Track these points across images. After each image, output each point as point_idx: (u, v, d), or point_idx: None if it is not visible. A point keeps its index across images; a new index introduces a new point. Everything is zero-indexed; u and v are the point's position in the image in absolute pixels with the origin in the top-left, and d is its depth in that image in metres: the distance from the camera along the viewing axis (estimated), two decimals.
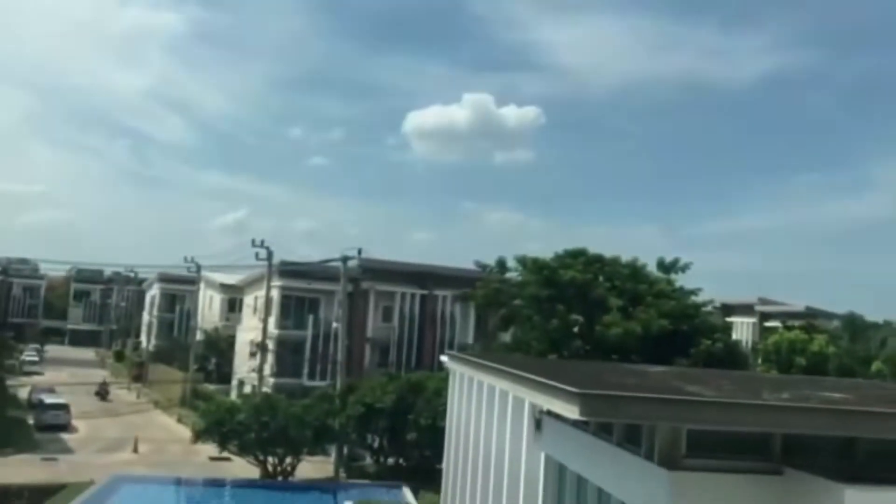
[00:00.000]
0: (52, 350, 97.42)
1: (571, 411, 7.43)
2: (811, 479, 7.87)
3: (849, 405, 8.84)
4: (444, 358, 25.74)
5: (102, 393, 57.51)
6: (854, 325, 56.68)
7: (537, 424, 12.86)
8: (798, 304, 64.51)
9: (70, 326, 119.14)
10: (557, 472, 11.95)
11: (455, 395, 24.14)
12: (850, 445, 8.39)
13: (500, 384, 12.49)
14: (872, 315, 59.00)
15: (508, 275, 38.11)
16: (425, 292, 53.10)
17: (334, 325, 45.45)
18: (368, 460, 35.00)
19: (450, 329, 52.75)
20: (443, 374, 31.00)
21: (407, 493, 28.73)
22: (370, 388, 32.73)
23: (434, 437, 28.97)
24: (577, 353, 33.70)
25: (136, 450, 38.34)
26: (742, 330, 63.44)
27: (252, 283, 56.12)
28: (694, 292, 37.62)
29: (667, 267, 38.15)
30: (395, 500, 27.55)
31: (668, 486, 8.12)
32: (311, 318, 51.13)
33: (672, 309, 34.83)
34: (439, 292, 53.06)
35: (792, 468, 8.20)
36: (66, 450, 37.91)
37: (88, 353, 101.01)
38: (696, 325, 35.56)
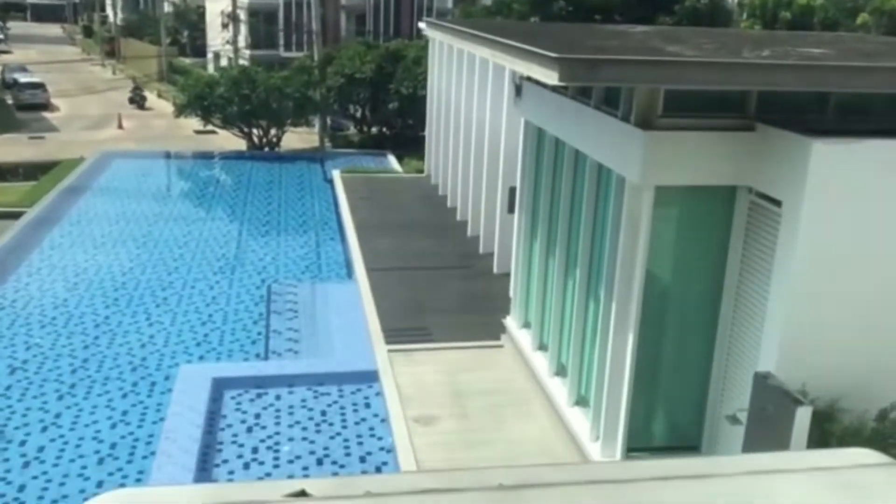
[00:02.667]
0: (16, 27, 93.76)
1: (550, 77, 7.42)
2: (782, 133, 8.11)
3: (826, 60, 8.86)
4: (422, 25, 25.06)
5: (138, 100, 45.28)
6: None
7: (517, 91, 12.91)
8: None
9: (31, 1, 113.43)
10: (536, 136, 12.25)
11: (435, 64, 23.92)
12: (823, 100, 8.56)
13: (480, 51, 12.31)
14: None
15: None
16: None
17: None
18: (352, 130, 35.61)
19: None
20: (422, 42, 30.39)
21: (391, 159, 29.68)
22: (349, 58, 32.23)
23: (415, 105, 29.24)
24: (559, 15, 32.76)
25: (120, 126, 38.70)
26: None
27: None
28: None
29: None
30: (380, 167, 28.54)
31: (643, 144, 8.38)
32: None
33: None
34: None
35: (764, 124, 8.42)
36: (51, 128, 38.21)
37: (54, 29, 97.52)
38: None
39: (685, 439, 9.85)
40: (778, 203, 8.24)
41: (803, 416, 7.46)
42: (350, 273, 18.18)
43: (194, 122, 33.16)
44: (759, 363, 8.42)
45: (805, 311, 8.04)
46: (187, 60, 57.77)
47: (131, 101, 45.06)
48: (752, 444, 8.10)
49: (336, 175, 25.57)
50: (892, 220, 7.98)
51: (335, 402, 12.53)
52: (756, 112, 8.60)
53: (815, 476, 2.58)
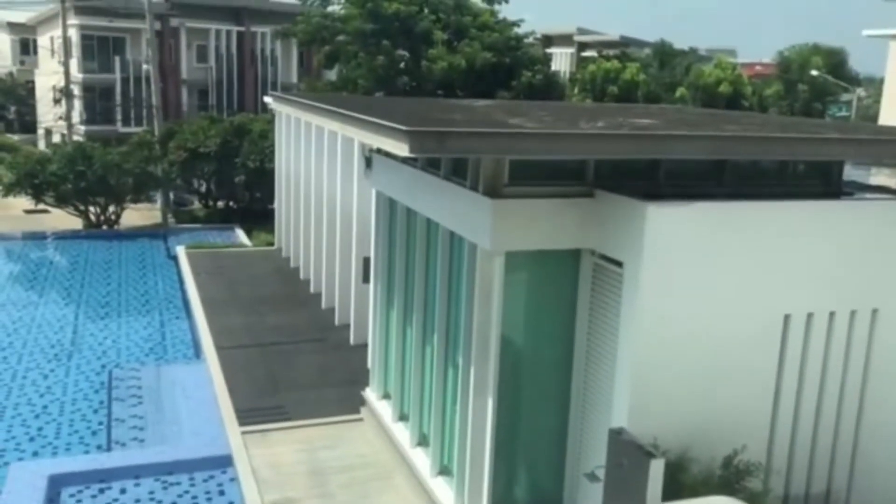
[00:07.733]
0: None
1: (401, 149, 7.54)
2: (619, 199, 8.59)
3: (655, 130, 9.51)
4: (268, 99, 24.99)
5: None
6: (663, 53, 59.39)
7: (367, 163, 13.03)
8: (613, 34, 66.55)
9: None
10: (388, 207, 12.36)
11: (283, 137, 23.84)
12: (654, 167, 9.16)
13: (329, 125, 12.38)
14: (680, 43, 62.00)
15: (331, 8, 36.43)
16: (242, 28, 50.13)
17: (144, 66, 42.45)
18: (197, 205, 34.65)
19: (271, 68, 50.79)
20: (267, 115, 30.27)
21: (240, 233, 29.04)
22: (192, 133, 31.54)
23: (263, 178, 28.90)
24: (403, 90, 33.66)
25: None
26: (561, 61, 65.10)
27: (45, 22, 50.66)
28: (516, 24, 37.80)
29: None
30: (228, 241, 27.82)
31: (491, 212, 8.63)
32: (117, 60, 47.50)
33: (495, 41, 35.03)
34: (257, 28, 50.28)
35: (602, 190, 8.90)
36: None
37: None
38: (518, 58, 36.14)
39: (547, 500, 9.96)
40: (619, 264, 8.67)
41: (657, 469, 7.72)
42: (198, 353, 17.43)
43: (24, 202, 31.23)
44: (613, 419, 8.69)
45: (651, 366, 8.41)
46: (15, 137, 54.75)
47: None
48: (611, 498, 8.29)
49: (180, 251, 24.70)
50: (723, 275, 8.56)
51: (186, 491, 11.82)
52: (594, 179, 9.07)
53: None
